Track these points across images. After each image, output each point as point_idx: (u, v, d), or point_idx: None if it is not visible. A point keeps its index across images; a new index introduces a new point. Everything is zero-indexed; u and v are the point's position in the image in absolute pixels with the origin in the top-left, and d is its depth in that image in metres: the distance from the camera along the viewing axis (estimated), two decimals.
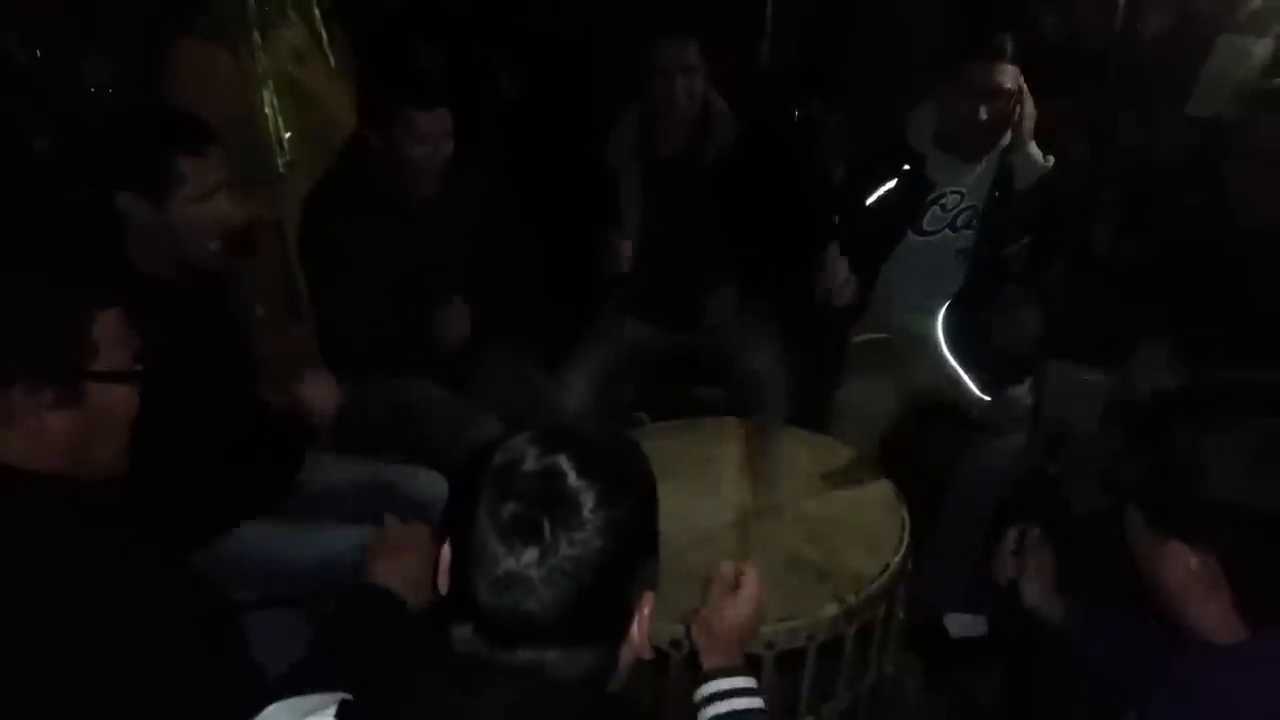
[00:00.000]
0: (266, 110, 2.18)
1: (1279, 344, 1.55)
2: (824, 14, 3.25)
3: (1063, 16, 2.70)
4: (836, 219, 2.17)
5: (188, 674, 1.05)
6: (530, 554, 0.78)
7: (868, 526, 1.66)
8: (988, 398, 2.12)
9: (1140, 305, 1.94)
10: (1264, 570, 0.94)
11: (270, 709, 0.84)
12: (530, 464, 0.81)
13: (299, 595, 1.63)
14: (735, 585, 1.18)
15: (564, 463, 0.81)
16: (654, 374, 2.49)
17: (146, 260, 1.54)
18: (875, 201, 2.13)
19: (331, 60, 2.33)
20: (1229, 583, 0.95)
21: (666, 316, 2.40)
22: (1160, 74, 2.49)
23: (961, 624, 2.13)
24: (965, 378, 2.14)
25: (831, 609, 1.46)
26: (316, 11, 2.30)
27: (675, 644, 1.37)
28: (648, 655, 0.90)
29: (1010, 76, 2.00)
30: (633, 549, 0.83)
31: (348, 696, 0.83)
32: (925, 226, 2.15)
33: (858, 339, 2.26)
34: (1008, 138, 2.08)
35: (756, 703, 1.10)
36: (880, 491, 1.76)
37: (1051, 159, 2.09)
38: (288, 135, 2.21)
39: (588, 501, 0.79)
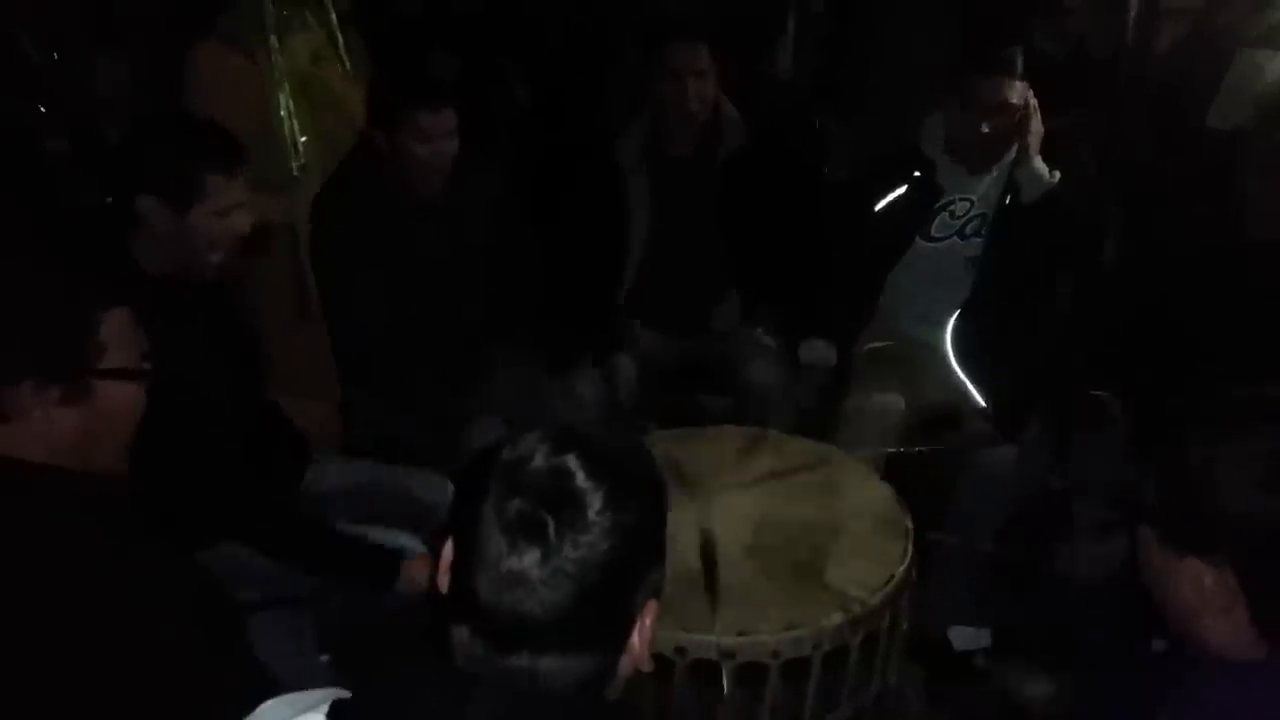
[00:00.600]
0: (282, 113, 2.20)
1: None
2: (835, 21, 3.26)
3: (1071, 31, 2.70)
4: (845, 224, 2.18)
5: (189, 671, 1.06)
6: (533, 554, 0.77)
7: (872, 536, 1.66)
8: (994, 408, 2.11)
9: (1148, 318, 1.93)
10: None
11: (267, 704, 0.83)
12: (539, 461, 0.80)
13: (302, 595, 1.64)
14: None
15: (573, 462, 0.79)
16: (660, 381, 2.49)
17: (156, 262, 1.55)
18: (885, 207, 2.13)
19: (347, 64, 2.34)
20: (1246, 599, 0.94)
21: (673, 322, 2.40)
22: (1169, 88, 2.49)
23: (965, 637, 2.12)
24: (972, 388, 2.14)
25: (837, 618, 1.46)
26: (333, 16, 2.31)
27: (679, 651, 1.37)
28: (647, 667, 0.88)
29: (1017, 92, 2.00)
30: (638, 554, 0.81)
31: (343, 694, 0.83)
32: (934, 233, 2.15)
33: (864, 347, 2.26)
34: (1014, 151, 2.08)
35: None
36: (885, 501, 1.76)
37: (1058, 174, 2.08)
38: (303, 139, 2.22)
39: (594, 503, 0.78)
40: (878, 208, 2.13)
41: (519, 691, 0.78)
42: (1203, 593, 0.95)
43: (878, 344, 2.26)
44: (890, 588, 1.53)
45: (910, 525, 1.67)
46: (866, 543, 1.64)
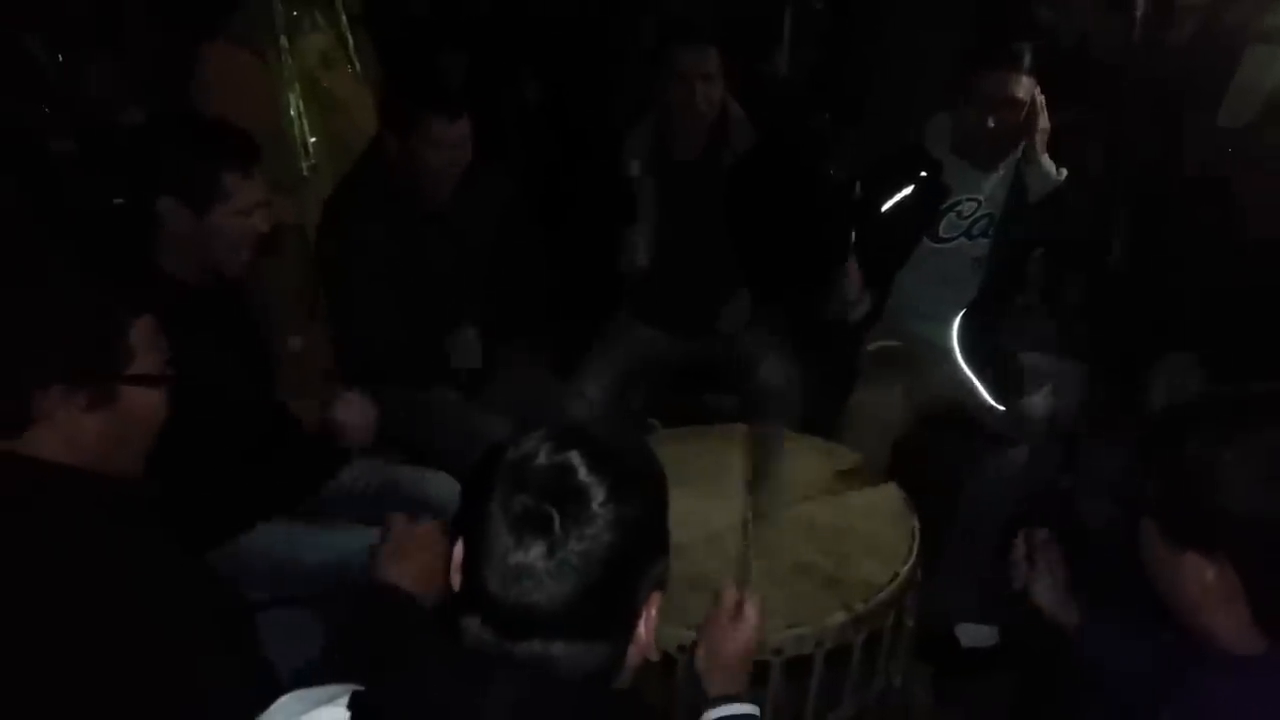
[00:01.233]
0: (292, 114, 2.21)
1: None
2: (840, 22, 3.26)
3: (1078, 27, 2.69)
4: (852, 226, 2.18)
5: (202, 669, 1.07)
6: (539, 547, 0.79)
7: (878, 535, 1.66)
8: (1001, 407, 2.11)
9: (1154, 316, 1.93)
10: None
11: (284, 698, 0.85)
12: (543, 459, 0.83)
13: (312, 595, 1.65)
14: (736, 613, 1.17)
15: (575, 458, 0.82)
16: (666, 380, 2.50)
17: (171, 263, 1.56)
18: (892, 208, 2.13)
19: (357, 66, 2.35)
20: (1246, 594, 0.95)
21: (679, 323, 2.40)
22: (1177, 86, 2.47)
23: (972, 634, 2.12)
24: (979, 387, 2.14)
25: (839, 616, 1.47)
26: (343, 17, 2.32)
27: (682, 648, 1.38)
28: (654, 656, 0.91)
29: (1024, 87, 1.99)
30: (641, 546, 0.84)
31: (359, 687, 0.84)
32: (941, 233, 2.14)
33: (871, 346, 2.26)
34: (1021, 148, 2.07)
35: None
36: (891, 500, 1.76)
37: (1064, 172, 2.08)
38: (313, 140, 2.24)
39: (597, 496, 0.81)
40: (885, 208, 2.13)
41: (535, 677, 0.80)
42: (1204, 586, 0.96)
43: (885, 343, 2.26)
44: (894, 587, 1.54)
45: (916, 524, 1.68)
46: (872, 542, 1.64)
